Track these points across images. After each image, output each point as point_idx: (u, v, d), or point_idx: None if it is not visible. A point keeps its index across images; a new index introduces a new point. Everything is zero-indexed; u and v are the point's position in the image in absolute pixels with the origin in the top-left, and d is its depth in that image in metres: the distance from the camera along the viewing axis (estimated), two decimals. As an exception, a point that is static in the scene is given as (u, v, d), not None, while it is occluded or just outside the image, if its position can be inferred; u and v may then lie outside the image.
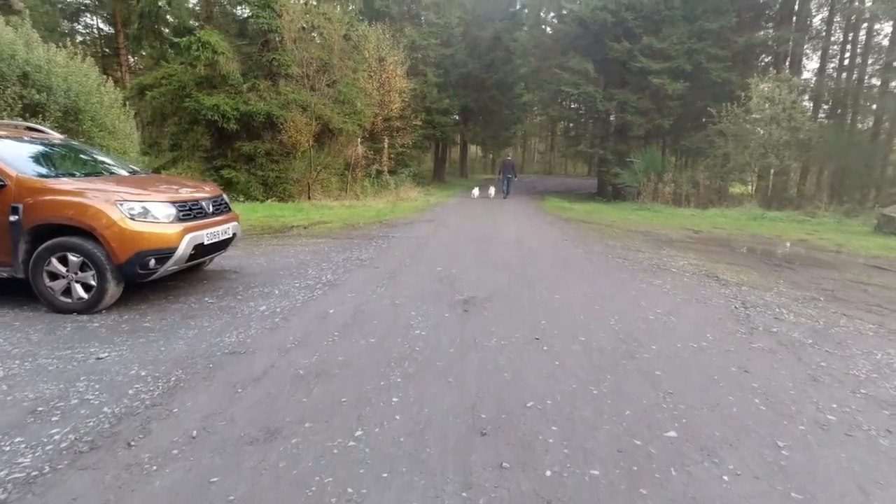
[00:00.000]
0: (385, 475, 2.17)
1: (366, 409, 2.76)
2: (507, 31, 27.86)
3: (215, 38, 12.47)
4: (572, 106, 29.61)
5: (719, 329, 4.29)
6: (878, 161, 16.18)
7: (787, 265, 7.46)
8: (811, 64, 27.97)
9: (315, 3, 15.56)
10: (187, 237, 4.61)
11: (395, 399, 2.88)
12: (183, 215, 4.70)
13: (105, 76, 10.01)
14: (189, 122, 13.90)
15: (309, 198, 14.14)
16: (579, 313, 4.60)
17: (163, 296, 4.93)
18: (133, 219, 4.32)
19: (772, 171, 15.55)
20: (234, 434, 2.47)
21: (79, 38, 29.64)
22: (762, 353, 3.77)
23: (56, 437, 2.41)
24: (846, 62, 25.78)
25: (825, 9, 24.62)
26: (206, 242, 4.90)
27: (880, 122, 18.90)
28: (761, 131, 14.86)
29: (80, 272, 4.29)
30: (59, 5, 25.72)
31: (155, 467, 2.19)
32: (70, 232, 4.29)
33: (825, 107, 23.32)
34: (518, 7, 30.55)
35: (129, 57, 29.29)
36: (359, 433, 2.50)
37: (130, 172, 5.67)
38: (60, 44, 9.27)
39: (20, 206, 4.21)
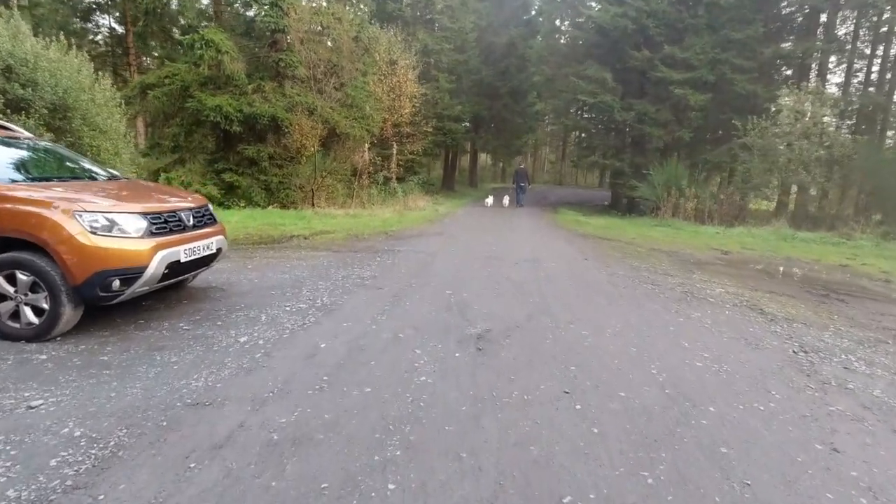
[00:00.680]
0: None
1: (352, 502, 2.09)
2: (523, 38, 27.29)
3: (220, 37, 11.97)
4: (586, 115, 28.91)
5: (784, 383, 3.58)
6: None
7: (835, 296, 6.71)
8: (834, 78, 27.17)
9: (325, 3, 15.06)
10: (160, 254, 4.00)
11: (391, 486, 2.21)
12: (156, 229, 4.08)
13: (100, 73, 9.47)
14: (191, 124, 13.39)
15: (313, 205, 13.55)
16: (613, 357, 3.91)
17: (132, 319, 4.31)
18: (95, 232, 3.70)
19: (804, 189, 14.77)
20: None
21: (91, 38, 29.53)
22: (846, 421, 3.06)
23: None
24: (873, 76, 24.98)
25: (850, 21, 23.87)
26: (183, 260, 4.28)
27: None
28: (793, 146, 14.07)
29: (30, 293, 3.69)
30: (71, 3, 25.47)
31: None
32: (22, 246, 3.69)
33: (849, 122, 22.48)
34: (533, 13, 30.01)
35: (144, 57, 29.06)
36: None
37: (108, 177, 5.07)
38: (61, 40, 8.73)
39: (-40, 216, 3.62)
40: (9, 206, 3.66)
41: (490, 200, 20.90)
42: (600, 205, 25.33)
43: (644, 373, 3.62)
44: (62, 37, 8.67)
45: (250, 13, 13.21)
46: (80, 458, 2.31)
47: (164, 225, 4.17)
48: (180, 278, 4.57)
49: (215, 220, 5.07)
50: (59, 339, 3.77)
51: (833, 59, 22.79)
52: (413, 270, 6.90)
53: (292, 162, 14.03)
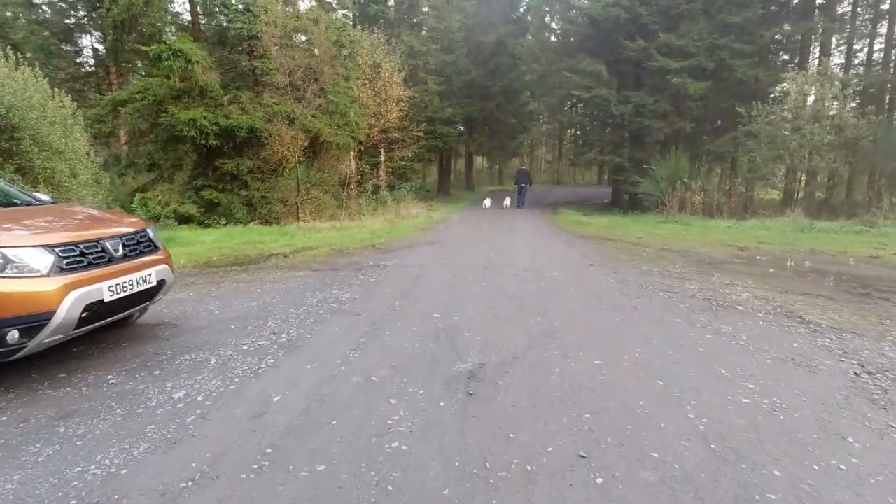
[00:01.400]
0: None
1: None
2: (512, 35, 26.61)
3: (188, 46, 11.27)
4: (581, 111, 28.20)
5: (859, 423, 2.81)
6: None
7: (878, 295, 5.93)
8: (833, 59, 26.44)
9: (303, 6, 14.38)
10: (74, 294, 3.26)
11: None
12: (69, 263, 3.34)
13: (57, 89, 8.77)
14: (166, 140, 12.68)
15: (298, 219, 12.81)
16: (637, 395, 3.14)
17: (52, 371, 3.56)
18: (-20, 274, 2.95)
19: (815, 175, 13.98)
20: None
21: (75, 60, 28.94)
22: (962, 482, 2.28)
23: None
24: (875, 55, 24.26)
25: (848, 1, 23.16)
26: (108, 299, 3.53)
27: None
28: (803, 130, 13.28)
29: None
30: (48, 25, 24.85)
31: None
32: None
33: (852, 104, 21.69)
34: (522, 11, 29.35)
35: (132, 75, 28.44)
36: None
37: (24, 203, 4.33)
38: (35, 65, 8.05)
39: None
40: None
41: (488, 202, 20.70)
42: (601, 203, 24.57)
43: (679, 418, 2.85)
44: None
45: (223, 20, 12.51)
46: None
47: (80, 258, 3.43)
48: (108, 320, 3.80)
49: (157, 246, 4.32)
50: (-57, 408, 3.02)
51: (833, 39, 22.06)
52: (398, 289, 6.14)
53: (274, 175, 13.31)
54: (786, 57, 23.34)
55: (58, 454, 2.53)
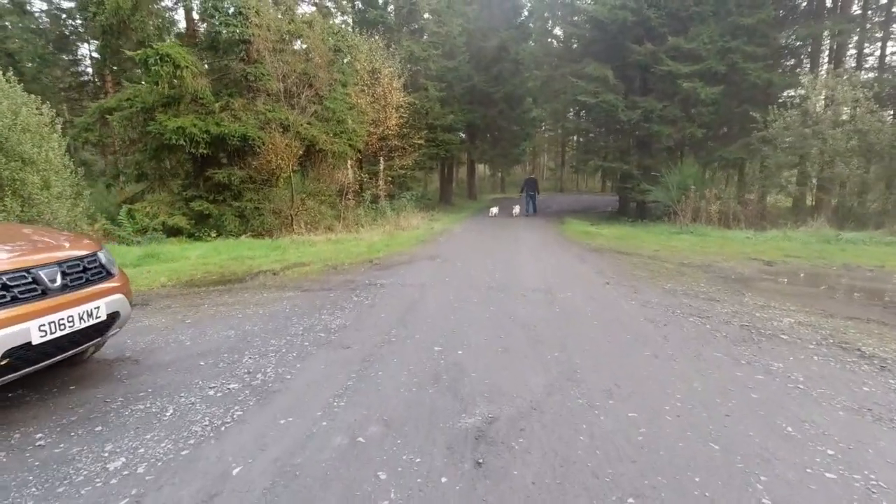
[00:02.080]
0: None
1: None
2: (514, 40, 26.10)
3: (176, 50, 10.72)
4: (584, 117, 27.53)
5: None
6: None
7: (936, 318, 5.26)
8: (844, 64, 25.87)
9: (299, 9, 13.83)
10: (-12, 338, 2.62)
11: None
12: (-14, 300, 2.71)
13: (33, 96, 8.20)
14: (155, 149, 12.12)
15: (292, 231, 12.19)
16: (691, 468, 2.49)
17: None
18: None
19: (836, 183, 13.29)
20: None
21: (72, 68, 28.61)
22: None
23: None
24: (887, 59, 23.69)
25: (858, 3, 22.58)
26: (38, 341, 2.92)
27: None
28: (824, 135, 12.62)
29: None
30: (43, 34, 24.47)
31: None
32: None
33: (875, 107, 21.05)
34: (524, 16, 28.87)
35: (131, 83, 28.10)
36: None
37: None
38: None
39: None
40: None
41: (495, 210, 20.69)
42: (607, 211, 23.88)
43: (749, 501, 2.19)
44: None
45: (215, 23, 11.97)
46: None
47: (0, 292, 2.80)
48: (50, 363, 3.16)
49: (110, 272, 3.69)
50: None
51: (848, 42, 21.49)
52: (395, 314, 5.49)
53: (268, 185, 12.72)
54: (792, 62, 22.77)
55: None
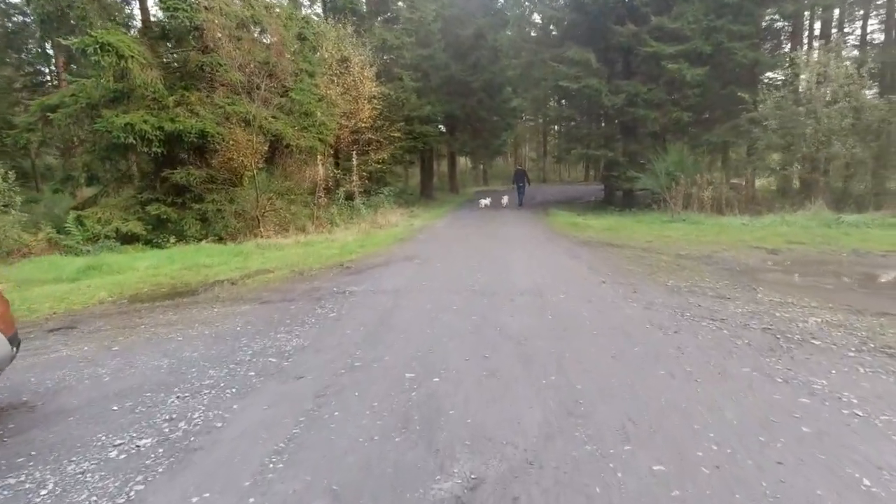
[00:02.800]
0: None
1: None
2: (492, 27, 25.22)
3: (119, 38, 9.69)
4: (566, 104, 26.80)
5: None
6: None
7: (980, 312, 4.63)
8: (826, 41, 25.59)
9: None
10: None
11: None
12: None
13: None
14: (105, 149, 11.08)
15: (261, 233, 11.26)
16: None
17: None
18: None
19: (833, 161, 12.77)
20: None
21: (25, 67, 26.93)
22: None
23: None
24: (868, 37, 23.40)
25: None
26: None
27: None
28: (817, 113, 12.05)
29: None
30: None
31: None
32: None
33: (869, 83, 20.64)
34: (501, 2, 28.00)
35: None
36: None
37: None
38: None
39: None
40: None
41: (486, 202, 20.83)
42: (593, 201, 23.25)
43: None
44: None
45: (161, 9, 10.95)
46: None
47: None
48: None
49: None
50: None
51: (832, 18, 21.13)
52: (362, 329, 4.70)
53: (232, 185, 11.76)
54: (772, 44, 22.29)
55: None
